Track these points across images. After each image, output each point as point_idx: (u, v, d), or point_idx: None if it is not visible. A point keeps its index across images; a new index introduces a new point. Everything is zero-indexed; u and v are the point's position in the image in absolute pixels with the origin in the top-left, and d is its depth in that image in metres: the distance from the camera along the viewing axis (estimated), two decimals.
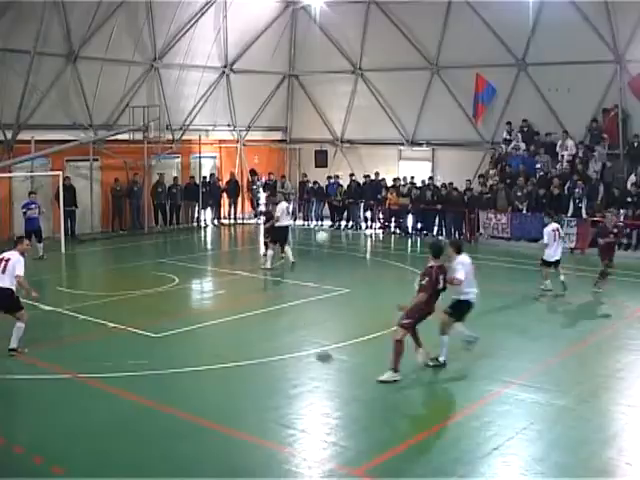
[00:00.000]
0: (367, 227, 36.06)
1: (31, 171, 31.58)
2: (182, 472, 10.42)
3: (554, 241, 21.85)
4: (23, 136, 31.01)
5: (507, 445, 11.25)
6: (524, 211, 31.02)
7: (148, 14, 33.88)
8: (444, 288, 14.74)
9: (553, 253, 21.88)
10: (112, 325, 18.04)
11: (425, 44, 36.37)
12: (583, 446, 11.34)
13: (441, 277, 14.57)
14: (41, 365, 14.80)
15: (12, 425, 12.08)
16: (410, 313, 14.36)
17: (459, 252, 15.57)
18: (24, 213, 27.48)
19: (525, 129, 33.56)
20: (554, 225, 22.28)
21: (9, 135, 30.81)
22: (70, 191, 32.23)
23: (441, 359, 14.91)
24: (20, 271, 15.50)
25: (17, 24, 29.39)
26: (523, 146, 33.12)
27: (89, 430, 11.86)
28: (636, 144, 30.71)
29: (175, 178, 36.80)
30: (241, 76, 39.06)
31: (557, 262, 22.07)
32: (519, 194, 31.24)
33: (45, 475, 10.32)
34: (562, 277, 21.99)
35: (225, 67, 38.51)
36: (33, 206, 27.53)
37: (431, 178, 35.37)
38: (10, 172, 31.04)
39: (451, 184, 33.26)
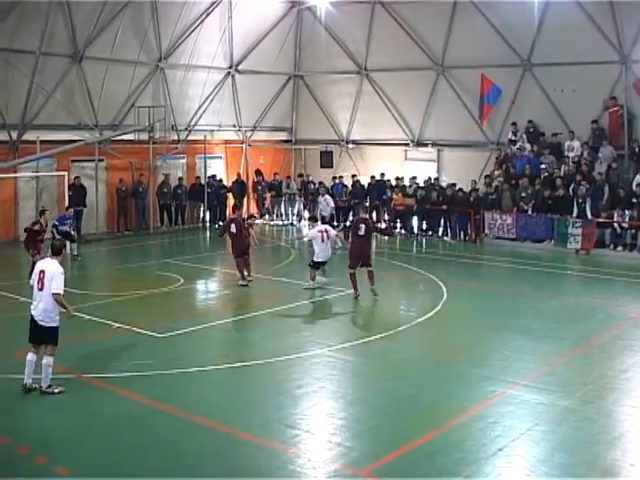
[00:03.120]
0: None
1: (36, 171, 31.65)
2: (186, 472, 10.44)
3: (322, 242, 22.35)
4: (28, 136, 31.09)
5: (512, 446, 11.24)
6: (529, 212, 30.99)
7: (153, 14, 33.90)
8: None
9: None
10: (117, 325, 18.06)
11: (430, 44, 36.33)
12: (587, 447, 11.33)
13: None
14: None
15: (17, 425, 12.08)
16: None
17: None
18: (55, 226, 26.33)
19: (530, 130, 33.50)
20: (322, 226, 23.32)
21: (14, 135, 30.86)
22: (80, 191, 32.31)
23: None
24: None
25: (22, 24, 29.41)
26: (528, 147, 33.06)
27: (94, 430, 11.88)
28: (637, 149, 30.67)
29: (180, 179, 36.81)
30: (246, 76, 39.09)
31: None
32: (524, 195, 31.20)
33: (49, 475, 10.33)
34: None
35: (230, 67, 38.52)
36: (68, 222, 27.23)
37: (436, 179, 35.35)
38: (15, 172, 31.10)
39: (454, 185, 33.25)
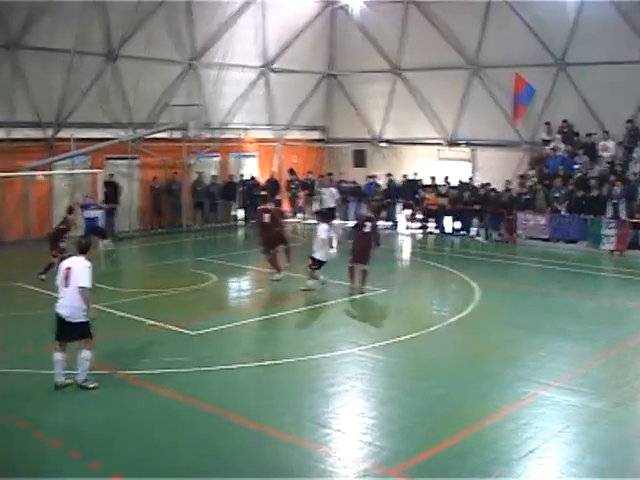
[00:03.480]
0: (405, 227, 35.99)
1: (71, 169, 31.90)
2: (218, 469, 10.50)
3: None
4: (63, 134, 31.36)
5: (543, 447, 11.20)
6: (563, 212, 30.79)
7: (188, 13, 34.10)
8: None
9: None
10: (149, 322, 18.17)
11: (464, 43, 36.23)
12: (619, 450, 11.28)
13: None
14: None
15: (50, 420, 12.17)
16: None
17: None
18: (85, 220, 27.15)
19: (564, 129, 33.29)
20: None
21: (50, 133, 31.13)
22: (114, 188, 32.58)
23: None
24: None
25: (58, 24, 29.66)
26: (562, 147, 32.86)
27: (126, 426, 11.98)
28: None
29: (214, 177, 36.94)
30: (280, 75, 39.17)
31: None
32: (558, 195, 31.01)
33: (82, 470, 10.42)
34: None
35: (264, 66, 38.62)
36: (93, 208, 27.46)
37: (470, 178, 35.23)
38: (50, 170, 31.37)
39: (488, 184, 33.09)
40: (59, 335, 13.40)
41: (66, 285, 13.25)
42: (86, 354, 13.27)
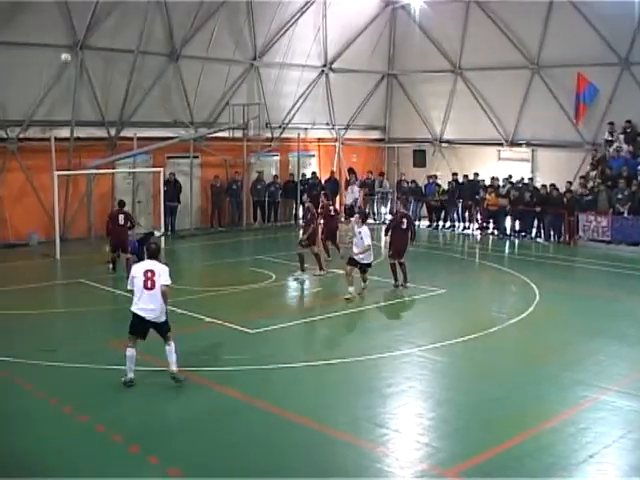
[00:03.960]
0: (465, 228, 35.85)
1: (133, 167, 32.32)
2: (276, 468, 10.54)
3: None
4: (126, 133, 31.81)
5: (603, 453, 11.07)
6: (625, 214, 30.37)
7: (249, 13, 34.32)
8: None
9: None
10: (209, 320, 18.34)
11: (526, 43, 35.90)
12: None
13: None
14: (140, 357, 15.08)
15: (112, 414, 12.34)
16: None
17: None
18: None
19: (628, 130, 32.82)
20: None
21: (113, 132, 31.56)
22: (174, 186, 32.93)
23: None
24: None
25: (122, 24, 30.11)
26: (626, 147, 32.42)
27: (185, 422, 12.13)
28: None
29: (275, 176, 37.12)
30: (340, 75, 39.25)
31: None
32: (620, 196, 30.59)
33: (141, 464, 10.58)
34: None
35: (324, 66, 38.73)
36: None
37: (531, 179, 34.94)
38: (113, 168, 31.82)
39: (552, 185, 32.75)
40: (135, 331, 13.61)
41: (151, 287, 13.41)
42: (171, 346, 13.58)
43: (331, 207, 26.69)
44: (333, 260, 25.31)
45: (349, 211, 31.04)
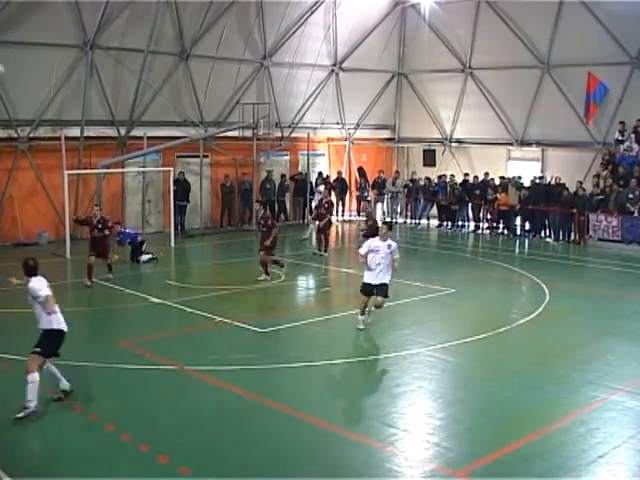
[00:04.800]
0: (475, 227, 35.78)
1: (143, 166, 32.38)
2: (283, 467, 10.57)
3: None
4: (136, 132, 31.88)
5: (613, 453, 11.03)
6: (635, 214, 30.26)
7: (259, 13, 34.33)
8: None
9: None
10: (218, 319, 18.35)
11: (536, 42, 35.83)
12: None
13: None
14: (149, 356, 15.13)
15: (121, 413, 12.36)
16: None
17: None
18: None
19: (639, 129, 32.72)
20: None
21: (123, 131, 31.62)
22: (184, 186, 32.99)
23: None
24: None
25: (132, 24, 30.18)
26: (636, 147, 32.31)
27: (194, 421, 12.10)
28: None
29: (283, 176, 37.10)
30: (350, 74, 39.25)
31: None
32: (631, 196, 30.50)
33: (150, 463, 10.58)
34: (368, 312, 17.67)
35: (334, 65, 38.74)
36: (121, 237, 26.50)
37: (541, 178, 34.85)
38: (123, 167, 31.89)
39: (563, 184, 32.65)
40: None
41: None
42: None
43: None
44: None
45: (316, 211, 30.41)
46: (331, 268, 26.35)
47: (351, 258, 26.54)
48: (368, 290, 17.32)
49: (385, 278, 17.25)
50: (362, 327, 17.43)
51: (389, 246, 17.22)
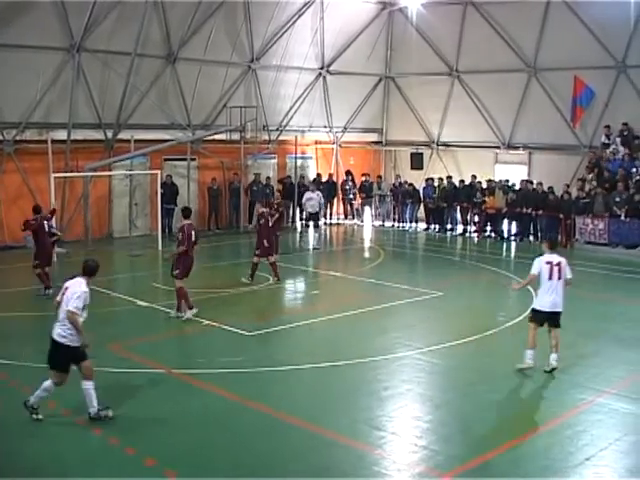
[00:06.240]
0: (463, 231, 35.80)
1: (130, 169, 32.33)
2: (271, 469, 10.58)
3: (548, 279, 15.39)
4: (123, 135, 31.81)
5: (599, 455, 11.08)
6: (622, 217, 30.36)
7: (246, 16, 34.28)
8: (196, 242, 19.05)
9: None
10: (206, 322, 18.34)
11: (522, 46, 35.97)
12: None
13: (193, 232, 18.79)
14: (136, 359, 15.11)
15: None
16: (178, 265, 18.85)
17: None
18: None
19: (624, 132, 32.86)
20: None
21: (110, 134, 31.55)
22: (171, 189, 32.95)
23: None
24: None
25: (119, 26, 30.08)
26: (622, 150, 32.45)
27: (181, 424, 12.10)
28: None
29: (268, 178, 36.88)
30: (337, 77, 39.29)
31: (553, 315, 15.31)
32: (617, 199, 30.59)
33: (138, 466, 10.57)
34: (553, 358, 14.91)
35: (322, 68, 38.78)
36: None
37: (528, 181, 34.89)
38: (110, 170, 31.81)
39: (550, 188, 32.73)
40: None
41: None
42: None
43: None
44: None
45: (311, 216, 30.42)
46: (320, 271, 26.35)
47: (339, 261, 26.62)
48: (537, 317, 15.35)
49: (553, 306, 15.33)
50: (522, 366, 14.92)
51: (558, 263, 15.62)
